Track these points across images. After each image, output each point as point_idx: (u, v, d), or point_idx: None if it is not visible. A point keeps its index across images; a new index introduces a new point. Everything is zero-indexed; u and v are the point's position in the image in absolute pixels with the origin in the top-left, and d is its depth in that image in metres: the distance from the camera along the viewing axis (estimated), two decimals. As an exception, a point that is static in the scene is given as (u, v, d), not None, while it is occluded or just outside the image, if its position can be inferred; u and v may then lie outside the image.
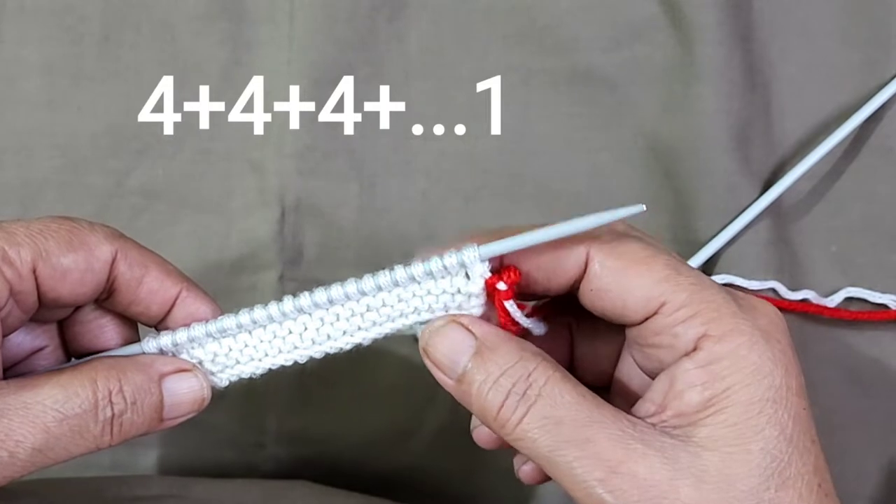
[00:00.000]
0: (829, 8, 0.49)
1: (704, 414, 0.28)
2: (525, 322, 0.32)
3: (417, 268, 0.32)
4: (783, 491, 0.28)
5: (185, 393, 0.33)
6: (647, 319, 0.30)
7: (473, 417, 0.35)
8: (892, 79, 0.49)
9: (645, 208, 0.30)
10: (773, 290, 0.48)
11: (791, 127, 0.50)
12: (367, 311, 0.33)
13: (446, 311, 0.32)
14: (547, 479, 0.34)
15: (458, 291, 0.32)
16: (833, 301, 0.48)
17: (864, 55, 0.49)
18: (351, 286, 0.32)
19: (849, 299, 0.48)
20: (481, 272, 0.31)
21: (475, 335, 0.31)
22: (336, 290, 0.33)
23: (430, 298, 0.32)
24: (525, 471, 0.35)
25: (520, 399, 0.29)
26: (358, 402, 0.51)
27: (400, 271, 0.32)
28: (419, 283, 0.32)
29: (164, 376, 0.33)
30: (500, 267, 0.32)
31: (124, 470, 0.51)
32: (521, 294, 0.32)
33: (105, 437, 0.31)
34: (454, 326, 0.31)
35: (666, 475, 0.28)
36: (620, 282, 0.30)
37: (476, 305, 0.32)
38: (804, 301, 0.48)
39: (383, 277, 0.32)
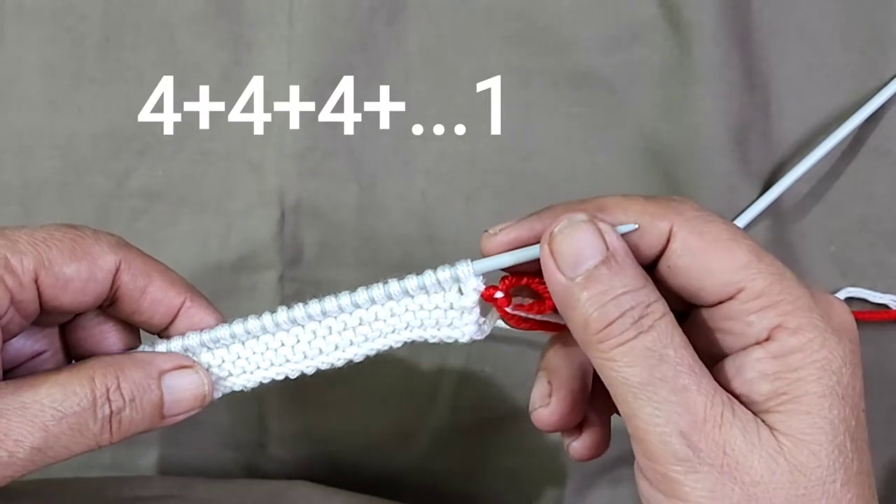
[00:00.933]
0: (827, 9, 0.49)
1: (775, 402, 0.28)
2: (536, 317, 0.32)
3: (411, 281, 0.32)
4: (846, 486, 0.28)
5: (186, 389, 0.33)
6: (720, 303, 0.30)
7: (533, 397, 0.34)
8: (890, 80, 0.49)
9: (637, 227, 0.30)
10: (773, 291, 0.48)
11: (790, 128, 0.50)
12: (360, 324, 0.33)
13: (438, 328, 0.33)
14: (594, 456, 0.34)
15: (451, 307, 0.32)
16: (833, 301, 0.48)
17: (863, 56, 0.49)
18: (345, 298, 0.33)
19: (849, 299, 0.49)
20: (475, 286, 0.32)
21: (607, 245, 0.29)
22: (330, 302, 0.33)
23: (422, 314, 0.32)
24: (575, 447, 0.35)
25: (633, 323, 0.28)
26: (359, 402, 0.51)
27: (394, 285, 0.32)
28: (412, 296, 0.32)
29: (164, 373, 0.33)
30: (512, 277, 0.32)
31: (125, 470, 0.51)
32: None
33: (104, 434, 0.31)
34: (591, 228, 0.29)
35: (743, 447, 0.27)
36: (700, 263, 0.30)
37: (469, 322, 0.32)
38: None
39: (377, 290, 0.32)
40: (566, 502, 0.51)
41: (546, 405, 0.34)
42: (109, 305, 0.34)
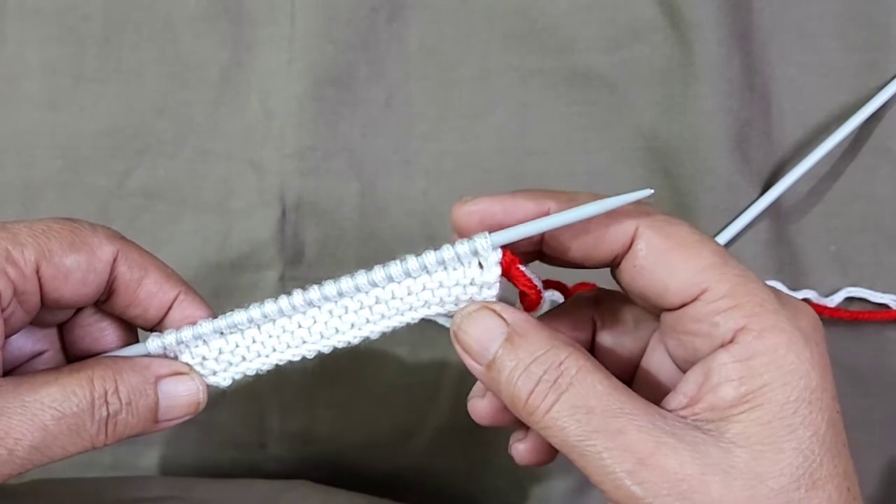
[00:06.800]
0: (827, 9, 0.49)
1: (738, 409, 0.28)
2: (540, 285, 0.32)
3: (429, 256, 0.31)
4: (813, 492, 0.28)
5: (181, 396, 0.34)
6: (685, 305, 0.30)
7: (474, 387, 0.35)
8: (891, 79, 0.49)
9: (652, 192, 0.30)
10: (774, 290, 0.48)
11: (790, 127, 0.50)
12: (377, 303, 0.32)
13: (457, 305, 0.32)
14: (542, 462, 0.34)
15: (472, 283, 0.31)
16: (833, 301, 0.48)
17: (863, 56, 0.49)
18: (361, 278, 0.32)
19: (849, 299, 0.49)
20: (496, 260, 0.31)
21: (507, 321, 0.30)
22: (346, 283, 0.32)
23: (441, 291, 0.32)
24: (518, 449, 0.35)
25: (550, 386, 0.29)
26: (359, 402, 0.51)
27: (411, 261, 0.31)
28: (430, 273, 0.32)
29: (161, 378, 0.33)
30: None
31: (126, 470, 0.51)
32: (558, 262, 0.32)
33: (100, 436, 0.31)
34: (486, 312, 0.31)
35: (696, 470, 0.27)
36: (665, 262, 0.30)
37: (489, 298, 0.32)
38: (804, 301, 0.48)
39: (394, 268, 0.32)
40: (567, 500, 0.51)
41: (482, 396, 0.34)
42: (105, 300, 0.34)
